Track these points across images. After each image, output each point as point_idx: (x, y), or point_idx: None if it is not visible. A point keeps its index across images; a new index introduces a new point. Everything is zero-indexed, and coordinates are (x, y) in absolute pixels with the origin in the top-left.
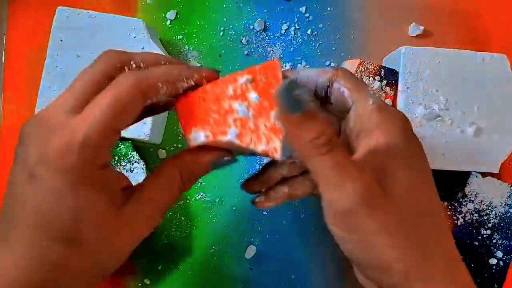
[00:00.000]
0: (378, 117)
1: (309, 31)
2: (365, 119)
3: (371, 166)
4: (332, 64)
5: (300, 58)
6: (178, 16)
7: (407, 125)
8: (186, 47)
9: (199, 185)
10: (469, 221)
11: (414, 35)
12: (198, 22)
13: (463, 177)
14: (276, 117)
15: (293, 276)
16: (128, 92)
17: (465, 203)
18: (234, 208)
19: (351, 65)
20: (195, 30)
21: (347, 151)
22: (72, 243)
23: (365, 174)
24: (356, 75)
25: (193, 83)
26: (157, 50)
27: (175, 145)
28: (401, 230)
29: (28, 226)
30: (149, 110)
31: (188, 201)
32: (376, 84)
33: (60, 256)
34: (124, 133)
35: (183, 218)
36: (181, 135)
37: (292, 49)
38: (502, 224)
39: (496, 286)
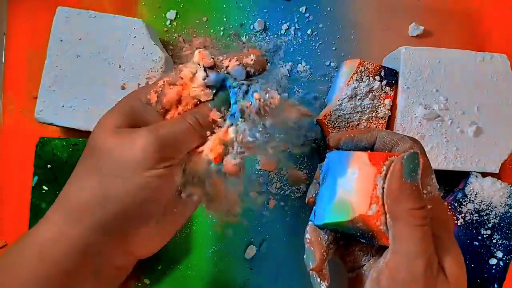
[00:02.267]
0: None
1: (309, 31)
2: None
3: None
4: (332, 64)
5: (300, 58)
6: (178, 16)
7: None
8: None
9: None
10: (469, 221)
11: (414, 35)
12: (198, 22)
13: (463, 177)
14: (388, 178)
15: (292, 276)
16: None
17: (465, 203)
18: None
19: (351, 65)
20: (195, 30)
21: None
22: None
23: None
24: (357, 75)
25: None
26: (157, 50)
27: None
28: None
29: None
30: None
31: None
32: (376, 84)
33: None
34: None
35: None
36: None
37: (292, 49)
38: (502, 224)
39: (496, 286)
